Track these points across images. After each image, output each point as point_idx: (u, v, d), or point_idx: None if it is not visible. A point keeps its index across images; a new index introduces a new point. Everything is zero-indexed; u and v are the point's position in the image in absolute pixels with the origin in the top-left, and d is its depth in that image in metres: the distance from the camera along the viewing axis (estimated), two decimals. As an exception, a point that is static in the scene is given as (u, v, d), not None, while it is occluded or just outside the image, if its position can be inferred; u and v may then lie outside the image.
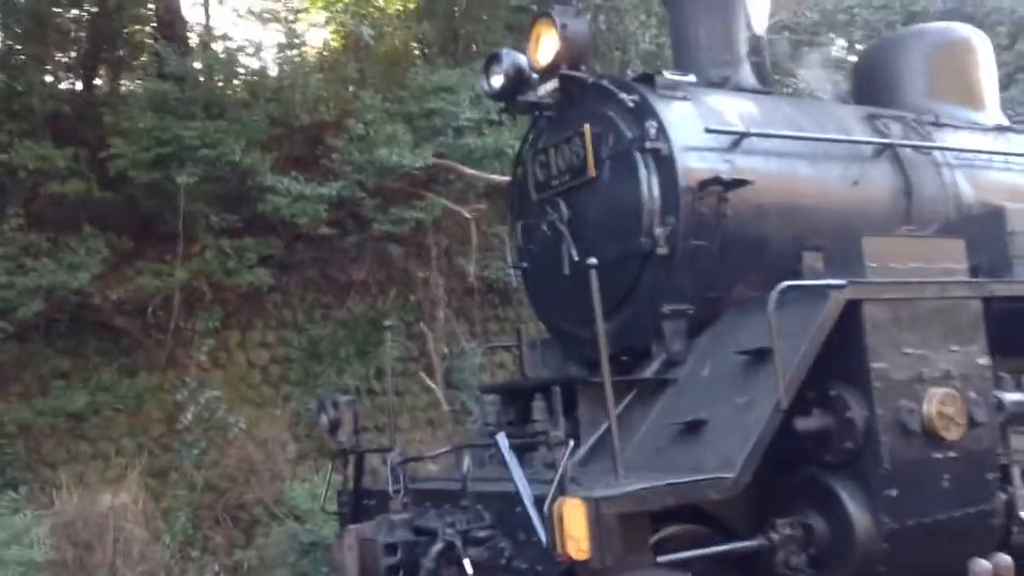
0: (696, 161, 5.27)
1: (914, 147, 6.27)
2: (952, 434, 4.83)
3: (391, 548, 4.74)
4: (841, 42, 17.11)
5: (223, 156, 8.82)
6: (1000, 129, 7.08)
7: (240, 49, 10.39)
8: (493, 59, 6.06)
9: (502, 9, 12.16)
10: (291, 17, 11.12)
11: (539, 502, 4.14)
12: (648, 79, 5.58)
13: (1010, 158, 6.79)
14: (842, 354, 4.78)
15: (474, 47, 12.53)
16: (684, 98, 5.54)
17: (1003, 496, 5.21)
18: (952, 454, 4.84)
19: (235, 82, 9.25)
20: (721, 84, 5.99)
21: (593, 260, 4.35)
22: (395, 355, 11.34)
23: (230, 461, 9.53)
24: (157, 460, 9.64)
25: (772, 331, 4.45)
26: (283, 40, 10.80)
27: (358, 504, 5.74)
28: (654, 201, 5.25)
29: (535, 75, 5.90)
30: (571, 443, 4.17)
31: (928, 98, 6.95)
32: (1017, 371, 5.65)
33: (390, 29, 10.82)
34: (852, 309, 4.75)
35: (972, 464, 4.93)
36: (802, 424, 4.74)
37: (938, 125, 6.67)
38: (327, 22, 11.08)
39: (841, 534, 4.70)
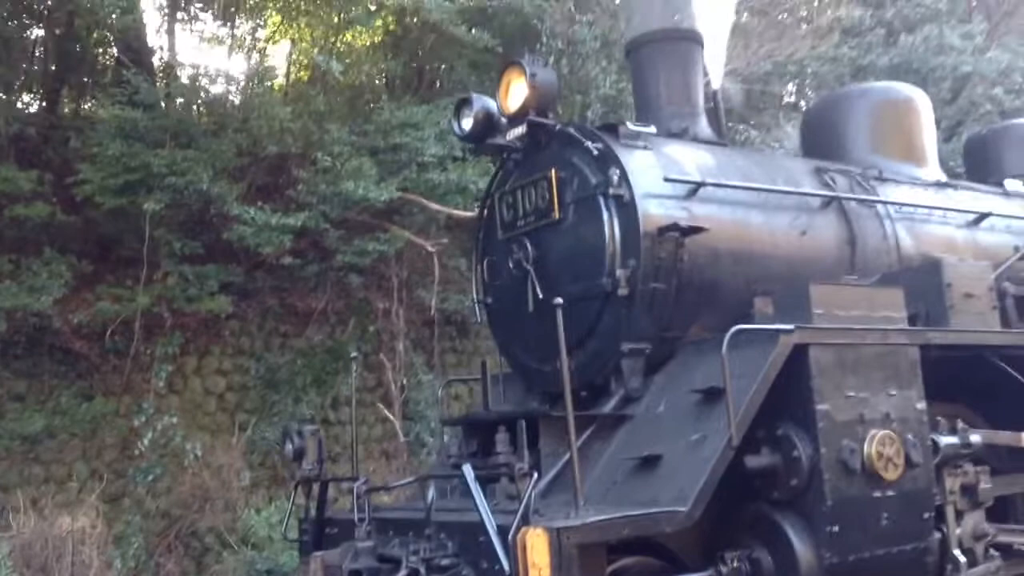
0: (656, 208, 5.55)
1: (859, 200, 6.62)
2: (891, 474, 5.09)
3: (356, 574, 4.87)
4: (790, 87, 17.71)
5: (191, 184, 8.92)
6: (939, 185, 7.47)
7: (204, 75, 10.53)
8: (464, 102, 6.29)
9: (467, 48, 12.43)
10: (257, 46, 11.30)
11: (503, 531, 4.31)
12: (612, 128, 5.86)
13: (948, 212, 7.18)
14: (789, 395, 5.03)
15: (438, 84, 12.78)
16: (645, 147, 5.83)
17: (937, 535, 5.50)
18: (890, 493, 5.10)
19: (202, 111, 9.35)
20: (680, 135, 6.29)
21: (559, 300, 4.57)
22: (356, 384, 11.46)
23: (184, 488, 9.54)
24: (111, 485, 9.60)
25: (725, 372, 4.70)
26: (249, 69, 10.96)
27: (320, 532, 5.85)
28: (616, 244, 5.51)
29: (503, 119, 6.15)
30: (535, 475, 4.35)
31: (872, 153, 7.33)
32: (951, 416, 5.98)
33: (355, 63, 11.01)
34: (799, 353, 5.02)
35: (909, 503, 5.19)
36: (752, 461, 4.98)
37: (881, 179, 7.04)
38: (294, 54, 11.25)
39: (785, 568, 4.92)
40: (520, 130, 6.00)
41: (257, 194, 10.14)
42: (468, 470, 4.62)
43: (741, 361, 4.86)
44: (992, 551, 5.86)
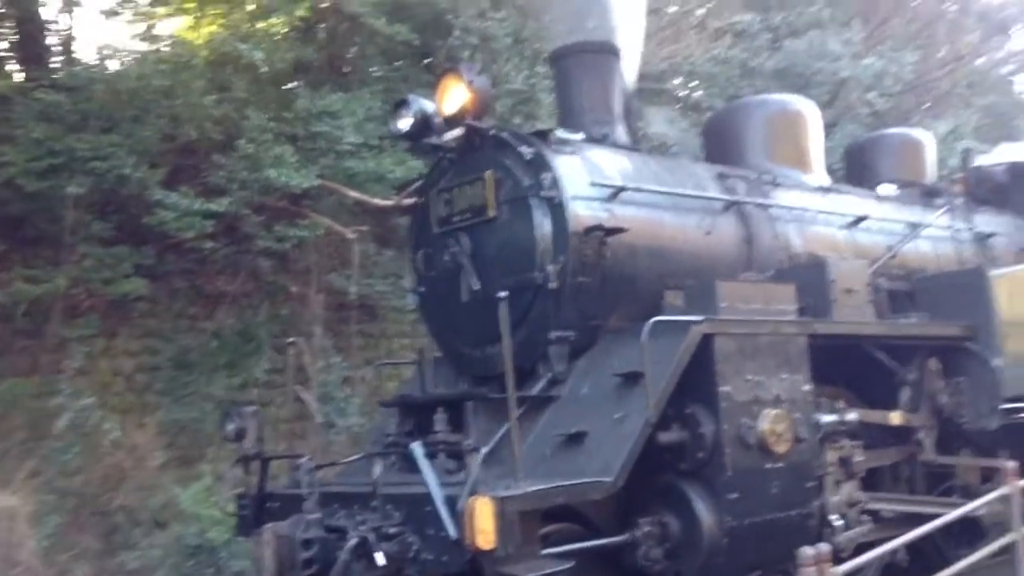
0: (583, 209, 6.12)
1: (756, 204, 7.35)
2: (781, 448, 5.79)
3: (307, 543, 5.28)
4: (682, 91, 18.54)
5: (114, 169, 9.01)
6: (824, 189, 8.28)
7: (112, 56, 10.52)
8: (401, 103, 6.68)
9: (379, 38, 12.69)
10: (173, 31, 11.31)
11: (450, 501, 4.81)
12: (543, 135, 6.40)
13: (831, 215, 8.00)
14: (697, 379, 5.66)
15: (354, 74, 13.01)
16: (572, 153, 6.39)
17: (817, 502, 6.28)
18: (780, 465, 5.81)
19: (124, 97, 9.39)
20: (601, 140, 6.86)
21: (504, 293, 5.08)
22: (264, 367, 11.70)
23: (100, 467, 9.63)
24: (23, 465, 9.61)
25: (645, 358, 5.31)
26: (167, 54, 10.97)
27: (261, 507, 6.21)
28: (547, 242, 6.06)
29: (439, 120, 6.59)
30: (483, 450, 4.86)
31: (767, 160, 8.06)
32: (831, 396, 6.78)
33: (273, 50, 11.14)
34: (706, 341, 5.67)
35: (796, 474, 5.93)
36: (663, 437, 5.60)
37: (775, 184, 7.78)
38: (211, 39, 11.31)
39: (691, 531, 5.57)
40: (457, 132, 6.45)
41: (177, 179, 10.23)
42: (417, 447, 5.09)
43: (658, 348, 5.45)
44: (863, 516, 6.69)
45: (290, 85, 11.87)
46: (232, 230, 11.03)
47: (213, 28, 11.31)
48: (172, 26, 11.56)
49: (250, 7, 11.46)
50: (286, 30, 11.98)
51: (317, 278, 11.43)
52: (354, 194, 10.80)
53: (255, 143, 9.91)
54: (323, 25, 12.88)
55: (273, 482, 6.52)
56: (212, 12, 11.11)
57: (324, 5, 12.52)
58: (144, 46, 10.66)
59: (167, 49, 10.79)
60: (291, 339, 7.66)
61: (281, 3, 11.14)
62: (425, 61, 13.46)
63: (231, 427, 6.28)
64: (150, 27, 11.01)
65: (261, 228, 10.53)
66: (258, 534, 5.37)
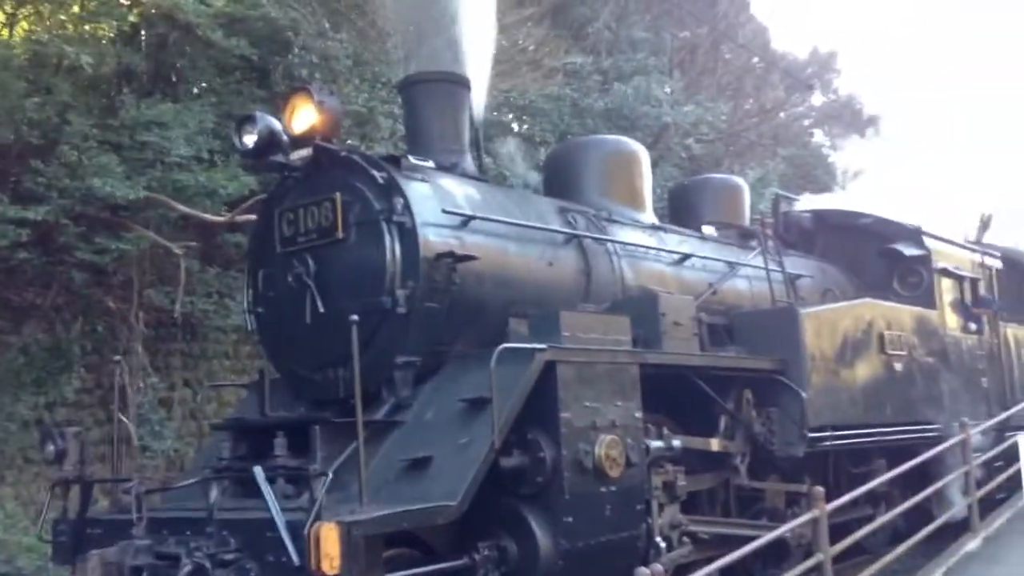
0: (433, 236, 6.20)
1: (594, 238, 7.66)
2: (614, 472, 6.01)
3: (136, 571, 5.05)
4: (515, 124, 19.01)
5: (-81, 168, 8.33)
6: (653, 227, 8.72)
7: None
8: (247, 119, 6.55)
9: (213, 49, 12.34)
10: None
11: (292, 526, 4.73)
12: (394, 160, 6.45)
13: (660, 252, 8.44)
14: (538, 405, 5.82)
15: (182, 84, 12.57)
16: (423, 180, 6.46)
17: (645, 525, 6.57)
18: (613, 488, 6.02)
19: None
20: (450, 169, 6.97)
21: (355, 316, 5.06)
22: (75, 386, 11.04)
23: None
24: None
25: (492, 384, 5.42)
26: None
27: (81, 533, 5.87)
28: (396, 266, 6.09)
29: (286, 139, 6.51)
30: (330, 475, 4.81)
31: (602, 196, 8.39)
32: (658, 423, 7.11)
33: (100, 54, 10.63)
34: (549, 368, 5.85)
35: (627, 497, 6.18)
36: (505, 462, 5.70)
37: (610, 220, 8.13)
38: (29, 38, 10.66)
39: (528, 554, 5.69)
40: (305, 152, 6.39)
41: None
42: (259, 471, 4.97)
43: (503, 374, 5.56)
44: (684, 538, 7.05)
45: (115, 93, 11.32)
46: (47, 239, 10.39)
47: (28, 27, 10.67)
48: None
49: (74, 8, 10.89)
50: (112, 35, 11.45)
51: (138, 294, 10.90)
52: (183, 208, 10.41)
53: (78, 150, 9.39)
54: (152, 32, 12.40)
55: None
56: (29, 12, 10.48)
57: (154, 11, 12.05)
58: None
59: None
60: (117, 357, 7.28)
61: (111, 7, 10.64)
62: (255, 76, 13.17)
63: (51, 448, 5.91)
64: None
65: (79, 239, 9.96)
66: (83, 560, 5.08)
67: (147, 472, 10.95)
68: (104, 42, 11.30)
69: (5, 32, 10.41)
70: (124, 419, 9.69)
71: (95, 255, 10.02)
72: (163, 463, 11.64)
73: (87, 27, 10.70)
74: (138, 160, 10.27)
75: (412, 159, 6.55)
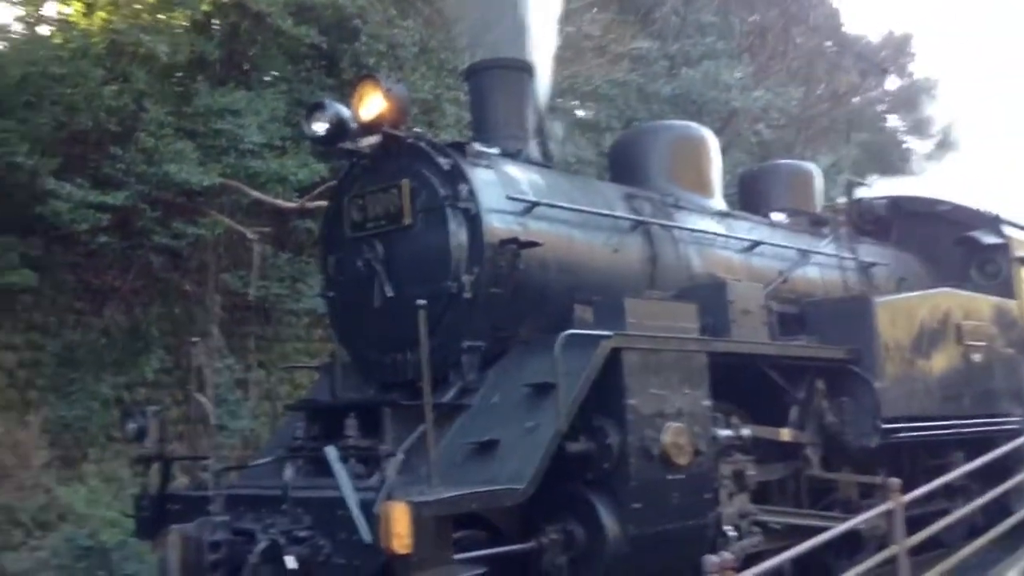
0: (498, 222, 6.22)
1: (660, 225, 7.61)
2: (682, 460, 5.96)
3: (215, 546, 5.20)
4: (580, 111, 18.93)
5: (5, 156, 8.63)
6: (722, 214, 8.61)
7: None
8: (317, 107, 6.63)
9: (283, 38, 12.54)
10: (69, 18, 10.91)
11: (363, 505, 4.82)
12: (459, 147, 6.48)
13: (729, 239, 8.34)
14: (604, 391, 5.83)
15: (253, 72, 12.80)
16: (488, 166, 6.49)
17: (713, 514, 6.53)
18: (681, 476, 5.98)
19: (12, 80, 9.00)
20: (514, 156, 6.97)
21: (422, 301, 5.12)
22: (154, 367, 11.37)
23: (-24, 466, 9.19)
24: None
25: (557, 370, 5.44)
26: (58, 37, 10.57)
27: (162, 509, 6.06)
28: (462, 252, 6.13)
29: (355, 126, 6.58)
30: (400, 455, 4.89)
31: (669, 183, 8.30)
32: (726, 412, 7.06)
33: (175, 42, 10.88)
34: (615, 355, 5.84)
35: (695, 486, 6.12)
36: (571, 447, 5.70)
37: (677, 207, 8.05)
38: (107, 26, 10.95)
39: (595, 539, 5.68)
40: (373, 139, 6.46)
41: (66, 169, 9.86)
42: (331, 451, 5.07)
43: (568, 360, 5.56)
44: (754, 528, 6.99)
45: (189, 81, 11.59)
46: (124, 224, 10.70)
47: (106, 16, 10.95)
48: (58, 8, 11.14)
49: (151, -1, 11.16)
50: (186, 23, 11.70)
51: (214, 278, 11.17)
52: (256, 194, 10.63)
53: (154, 137, 9.64)
54: (224, 21, 12.63)
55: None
56: (107, 1, 10.75)
57: (226, 0, 12.28)
58: (30, 28, 10.25)
59: (56, 32, 10.41)
60: (194, 339, 7.49)
61: (189, -2, 10.89)
62: (324, 64, 13.34)
63: (132, 426, 6.11)
64: (37, 8, 10.58)
65: (156, 224, 10.23)
66: (163, 535, 5.24)
67: (224, 451, 11.22)
68: (178, 31, 11.54)
69: (84, 21, 10.71)
70: (201, 399, 9.94)
71: (172, 239, 10.30)
72: (239, 442, 11.91)
73: (162, 16, 10.94)
74: (212, 147, 10.50)
75: (477, 146, 6.57)
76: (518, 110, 7.26)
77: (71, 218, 9.25)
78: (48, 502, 9.36)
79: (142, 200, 9.87)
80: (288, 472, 5.31)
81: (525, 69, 7.37)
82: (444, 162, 6.27)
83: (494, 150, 6.74)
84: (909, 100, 27.43)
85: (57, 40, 10.30)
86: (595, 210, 7.04)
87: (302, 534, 5.05)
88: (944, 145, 23.49)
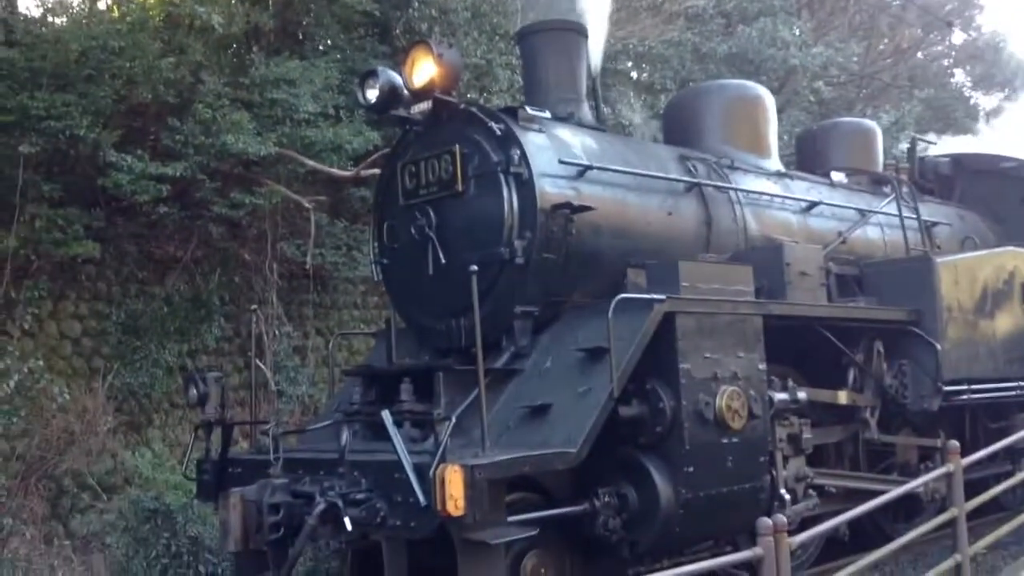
0: (550, 187, 6.21)
1: (715, 187, 7.51)
2: (736, 424, 5.97)
3: (274, 508, 5.34)
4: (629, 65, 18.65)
5: (68, 129, 8.82)
6: (779, 174, 8.49)
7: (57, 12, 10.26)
8: (370, 74, 6.66)
9: (336, 6, 12.57)
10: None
11: (419, 469, 4.90)
12: (511, 112, 6.46)
13: (786, 200, 8.21)
14: (657, 355, 5.82)
15: (307, 41, 12.87)
16: (540, 131, 6.46)
17: (768, 477, 6.51)
18: (735, 440, 5.99)
19: (76, 54, 9.18)
20: (566, 119, 6.94)
21: (475, 267, 5.15)
22: (215, 335, 11.61)
23: (47, 431, 9.50)
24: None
25: (610, 333, 5.44)
26: (116, 11, 10.75)
27: (223, 472, 6.23)
28: (514, 217, 6.14)
29: (407, 93, 6.60)
30: (453, 420, 4.95)
31: (724, 143, 8.21)
32: (782, 375, 7.00)
33: (229, 13, 10.98)
34: (668, 319, 5.83)
35: (749, 449, 6.12)
36: (624, 411, 5.74)
37: (732, 168, 7.95)
38: (162, 1, 11.09)
39: (649, 502, 5.74)
40: (425, 106, 6.48)
41: (126, 140, 10.05)
42: (387, 416, 5.15)
43: (621, 325, 5.58)
44: (810, 491, 6.95)
45: (244, 51, 11.70)
46: (183, 195, 10.89)
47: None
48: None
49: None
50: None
51: (272, 246, 11.34)
52: (311, 163, 10.73)
53: (211, 108, 9.77)
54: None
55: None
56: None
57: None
58: (89, 2, 10.44)
59: (114, 7, 10.58)
60: (253, 307, 7.63)
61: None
62: (377, 31, 13.36)
63: (194, 392, 6.26)
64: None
65: (215, 194, 10.40)
66: (224, 498, 5.39)
67: (283, 416, 11.46)
68: (233, 2, 11.64)
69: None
70: (261, 365, 10.16)
71: (230, 209, 10.44)
72: (298, 407, 12.13)
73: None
74: (268, 117, 10.59)
75: (529, 110, 6.55)
76: (570, 73, 7.21)
77: (132, 189, 9.43)
78: (114, 466, 9.65)
79: (201, 171, 10.00)
80: (344, 436, 5.40)
81: (577, 31, 7.31)
82: (496, 127, 6.27)
83: (546, 114, 6.71)
84: (976, 54, 26.51)
85: (115, 14, 10.48)
86: (649, 173, 6.98)
87: (359, 496, 5.16)
88: (1011, 98, 22.68)
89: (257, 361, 10.72)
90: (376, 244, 7.03)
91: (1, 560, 8.19)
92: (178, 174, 9.60)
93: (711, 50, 17.34)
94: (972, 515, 6.83)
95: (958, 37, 26.99)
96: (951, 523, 6.45)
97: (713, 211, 7.40)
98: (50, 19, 10.22)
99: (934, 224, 9.46)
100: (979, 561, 7.28)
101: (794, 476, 6.82)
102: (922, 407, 7.62)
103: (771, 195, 8.04)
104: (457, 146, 6.32)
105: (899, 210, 8.71)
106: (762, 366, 6.34)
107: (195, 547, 8.12)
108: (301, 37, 13.08)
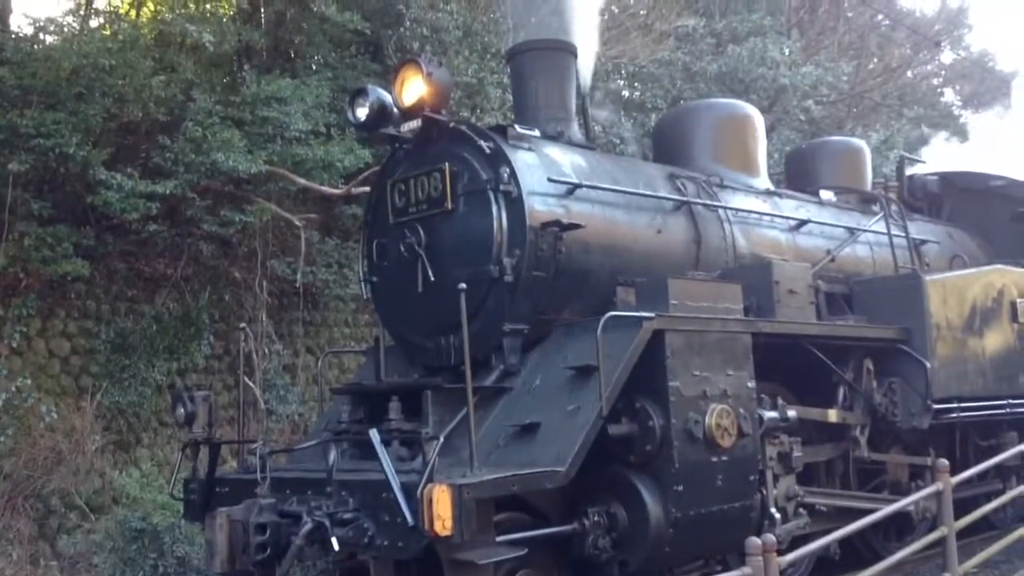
0: (540, 205, 6.22)
1: (705, 205, 7.53)
2: (726, 442, 5.94)
3: (261, 528, 5.29)
4: (625, 92, 18.74)
5: (57, 147, 8.82)
6: (768, 193, 8.50)
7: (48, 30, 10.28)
8: (359, 92, 6.68)
9: (328, 24, 12.62)
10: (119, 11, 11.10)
11: (406, 488, 4.87)
12: (501, 130, 6.47)
13: (775, 218, 8.23)
14: (646, 373, 5.80)
15: (299, 59, 12.91)
16: (529, 149, 6.48)
17: (758, 495, 6.48)
18: (725, 458, 5.96)
19: (66, 73, 9.19)
20: (556, 137, 6.95)
21: (463, 285, 5.14)
22: (205, 353, 11.56)
23: (35, 450, 9.43)
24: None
25: (599, 351, 5.43)
26: (107, 29, 10.76)
27: (210, 492, 6.18)
28: (503, 235, 6.14)
29: (396, 111, 6.61)
30: (441, 439, 4.92)
31: (714, 162, 8.22)
32: (771, 393, 6.99)
33: (220, 31, 11.01)
34: (657, 337, 5.82)
35: (739, 467, 6.10)
36: (614, 429, 5.71)
37: (722, 186, 7.96)
38: (154, 17, 11.14)
39: (638, 521, 5.70)
40: (415, 124, 6.48)
41: (117, 159, 10.05)
42: (375, 434, 5.13)
43: (610, 342, 5.56)
44: (800, 510, 6.92)
45: (236, 69, 11.73)
46: (174, 212, 10.88)
47: (153, 7, 11.13)
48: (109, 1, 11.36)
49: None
50: (232, 12, 11.84)
51: (262, 264, 11.33)
52: (302, 181, 10.74)
53: (202, 126, 9.78)
54: (270, 9, 12.75)
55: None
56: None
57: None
58: (79, 20, 10.45)
59: (106, 25, 10.59)
60: (243, 325, 7.60)
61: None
62: (369, 50, 13.41)
63: (181, 411, 6.23)
64: (89, 2, 10.78)
65: (205, 212, 10.39)
66: (211, 518, 5.35)
67: (273, 435, 11.41)
68: (224, 20, 11.69)
69: (132, 13, 10.88)
70: (251, 384, 10.11)
71: (220, 227, 10.44)
72: (288, 426, 12.09)
73: (208, 6, 11.09)
74: (259, 135, 10.62)
75: (519, 128, 6.57)
76: (560, 91, 7.23)
77: (122, 207, 9.43)
78: (102, 486, 9.61)
79: (191, 189, 10.01)
80: (332, 455, 5.37)
81: (567, 50, 7.34)
82: (485, 145, 6.27)
83: (536, 132, 6.72)
84: (965, 73, 26.72)
85: (106, 32, 10.50)
86: (638, 191, 6.99)
87: (347, 516, 5.13)
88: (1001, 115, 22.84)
89: (246, 379, 10.69)
90: (365, 262, 7.01)
91: (-14, 581, 8.12)
92: (168, 192, 9.60)
93: (701, 69, 17.41)
94: (963, 534, 6.83)
95: (947, 56, 27.23)
96: (941, 542, 6.43)
97: (702, 229, 7.41)
98: (41, 37, 10.23)
99: (923, 242, 9.50)
100: (970, 580, 7.26)
101: (784, 495, 6.79)
102: (912, 425, 7.61)
103: (760, 213, 8.06)
104: (447, 164, 6.32)
105: (888, 228, 8.72)
106: (751, 384, 6.32)
107: (182, 568, 8.07)
108: (292, 55, 13.14)
